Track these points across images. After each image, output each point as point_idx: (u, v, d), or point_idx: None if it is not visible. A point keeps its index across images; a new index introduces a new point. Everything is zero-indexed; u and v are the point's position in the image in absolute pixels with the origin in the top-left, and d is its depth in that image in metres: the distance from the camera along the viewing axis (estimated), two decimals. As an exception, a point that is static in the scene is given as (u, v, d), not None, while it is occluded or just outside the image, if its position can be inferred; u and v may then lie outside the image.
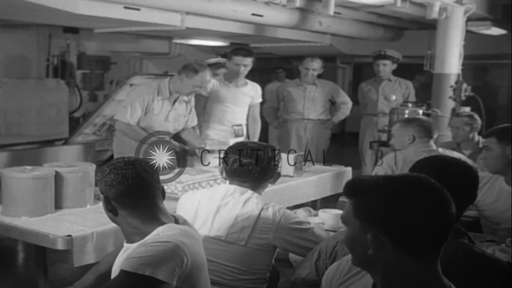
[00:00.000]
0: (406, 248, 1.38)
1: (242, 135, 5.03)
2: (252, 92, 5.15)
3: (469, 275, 1.76)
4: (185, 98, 4.40)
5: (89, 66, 6.96)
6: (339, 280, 1.69)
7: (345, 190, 1.47)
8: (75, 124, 6.30)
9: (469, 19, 5.76)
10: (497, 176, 3.17)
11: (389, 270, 1.41)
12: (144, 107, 4.21)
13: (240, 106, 5.09)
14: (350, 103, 6.10)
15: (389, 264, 1.40)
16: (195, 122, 4.61)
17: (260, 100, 5.27)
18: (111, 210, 2.03)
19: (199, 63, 4.38)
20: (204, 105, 4.99)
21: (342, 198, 3.78)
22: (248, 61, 4.92)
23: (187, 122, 4.52)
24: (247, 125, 5.20)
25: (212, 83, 4.91)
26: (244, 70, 4.94)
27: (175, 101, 4.35)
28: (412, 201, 1.38)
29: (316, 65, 5.85)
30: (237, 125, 5.02)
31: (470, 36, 5.87)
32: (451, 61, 5.70)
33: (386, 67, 6.26)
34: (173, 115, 4.36)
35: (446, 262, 1.43)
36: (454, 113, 5.44)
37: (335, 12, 4.93)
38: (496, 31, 6.53)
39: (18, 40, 6.20)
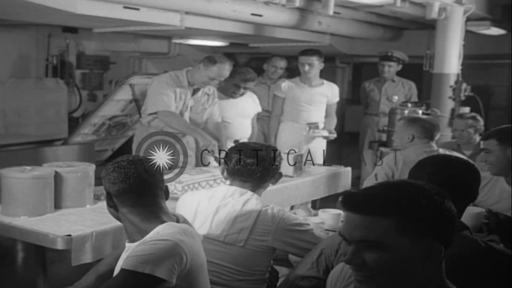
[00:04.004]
0: (445, 246, 1.36)
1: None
2: (328, 92, 5.36)
3: (477, 268, 1.77)
4: (207, 90, 4.38)
5: (89, 66, 6.94)
6: (343, 283, 1.68)
7: (372, 209, 1.32)
8: (74, 124, 6.29)
9: (468, 19, 5.76)
10: (498, 177, 3.17)
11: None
12: (173, 95, 4.12)
13: (315, 105, 5.30)
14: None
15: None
16: (219, 119, 4.54)
17: (337, 99, 5.49)
18: (113, 207, 2.06)
19: (221, 56, 4.34)
20: (282, 105, 5.36)
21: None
22: (312, 60, 5.16)
23: (213, 116, 4.48)
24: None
25: (286, 84, 5.31)
26: (310, 69, 5.19)
27: (195, 91, 4.30)
28: (444, 203, 1.37)
29: (282, 64, 5.90)
30: (313, 123, 5.14)
31: (469, 36, 5.88)
32: (451, 61, 5.70)
33: (391, 68, 6.29)
34: (191, 105, 4.31)
35: (452, 256, 1.42)
36: (455, 113, 5.43)
37: (334, 12, 4.93)
38: (495, 31, 6.54)
39: (17, 39, 6.20)
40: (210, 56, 4.20)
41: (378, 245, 1.31)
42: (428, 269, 1.36)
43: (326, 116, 5.37)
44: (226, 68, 4.16)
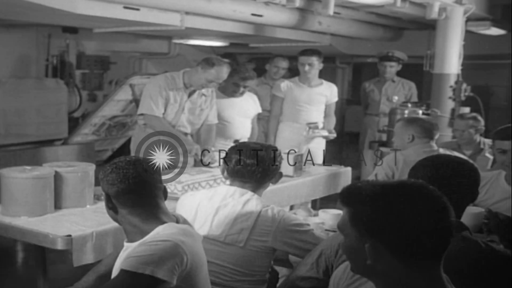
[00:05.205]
0: (405, 258, 1.36)
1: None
2: (327, 92, 5.36)
3: (477, 268, 1.77)
4: (204, 91, 4.34)
5: (89, 66, 6.94)
6: (346, 281, 1.69)
7: (340, 198, 1.45)
8: (74, 124, 6.29)
9: (468, 19, 5.76)
10: (496, 176, 3.17)
11: (389, 279, 1.39)
12: (164, 98, 4.15)
13: (315, 105, 5.29)
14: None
15: (389, 273, 1.38)
16: (215, 120, 4.53)
17: (336, 99, 5.47)
18: (112, 208, 2.05)
19: (219, 58, 4.33)
20: (281, 106, 5.33)
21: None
22: (312, 60, 5.15)
23: (209, 117, 4.46)
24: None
25: (285, 84, 5.29)
26: (310, 69, 5.19)
27: (191, 93, 4.28)
28: (410, 211, 1.36)
29: (285, 64, 5.93)
30: (312, 123, 5.14)
31: (469, 36, 5.87)
32: (451, 61, 5.69)
33: (392, 69, 6.34)
34: (188, 107, 4.29)
35: (452, 256, 1.42)
36: (455, 114, 5.43)
37: (334, 12, 4.93)
38: (495, 31, 6.53)
39: (17, 40, 6.19)
40: (208, 59, 4.19)
41: (340, 230, 1.46)
42: (382, 267, 1.37)
43: (325, 116, 5.37)
44: (224, 71, 4.15)
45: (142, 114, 4.23)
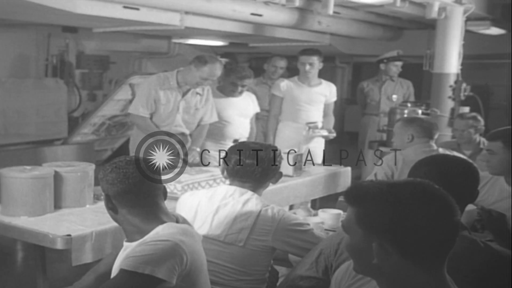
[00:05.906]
0: (412, 257, 1.36)
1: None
2: (326, 91, 5.35)
3: (476, 267, 1.77)
4: (199, 90, 4.33)
5: (88, 66, 6.94)
6: (348, 282, 1.69)
7: (346, 197, 1.45)
8: (74, 124, 6.29)
9: (468, 19, 5.76)
10: (497, 176, 3.17)
11: (395, 279, 1.39)
12: (153, 98, 4.17)
13: (314, 104, 5.28)
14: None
15: (395, 272, 1.38)
16: (214, 119, 4.52)
17: (335, 98, 5.45)
18: (112, 208, 2.04)
19: (211, 55, 4.34)
20: (280, 105, 5.30)
21: (342, 198, 3.78)
22: (313, 60, 5.14)
23: (204, 117, 4.46)
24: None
25: (285, 84, 5.25)
26: (310, 69, 5.17)
27: (185, 92, 4.28)
28: (418, 209, 1.36)
29: (283, 64, 5.93)
30: (312, 123, 5.13)
31: (469, 36, 5.88)
32: (450, 60, 5.69)
33: (399, 67, 6.39)
34: (183, 106, 4.28)
35: (451, 255, 1.42)
36: (455, 113, 5.44)
37: (334, 12, 4.93)
38: (495, 31, 6.54)
39: (17, 39, 6.19)
40: (200, 57, 4.20)
41: (345, 230, 1.45)
42: (388, 265, 1.37)
43: (324, 116, 5.36)
44: (217, 68, 4.15)
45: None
